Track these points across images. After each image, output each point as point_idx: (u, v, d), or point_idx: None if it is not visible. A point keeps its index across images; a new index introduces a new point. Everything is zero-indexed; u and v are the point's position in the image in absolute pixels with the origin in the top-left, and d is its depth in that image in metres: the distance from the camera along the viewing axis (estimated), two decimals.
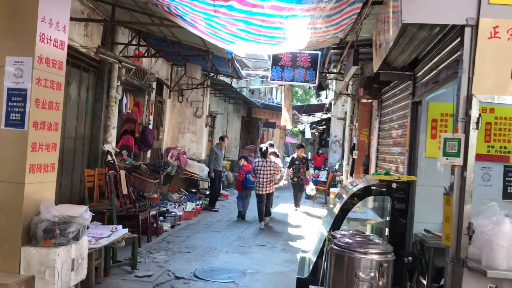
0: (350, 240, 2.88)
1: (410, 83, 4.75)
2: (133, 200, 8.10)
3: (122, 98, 10.60)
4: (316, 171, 17.49)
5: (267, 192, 10.31)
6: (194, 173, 13.48)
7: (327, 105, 19.36)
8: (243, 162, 11.38)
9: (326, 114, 21.22)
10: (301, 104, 21.81)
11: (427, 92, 4.12)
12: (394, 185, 3.60)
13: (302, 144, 14.25)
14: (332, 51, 6.68)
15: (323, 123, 24.59)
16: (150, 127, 12.28)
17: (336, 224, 3.68)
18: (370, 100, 11.64)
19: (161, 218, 8.62)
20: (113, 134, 9.36)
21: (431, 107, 4.49)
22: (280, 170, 11.31)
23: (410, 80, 4.73)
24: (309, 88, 41.10)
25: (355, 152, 12.17)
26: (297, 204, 13.00)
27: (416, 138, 4.56)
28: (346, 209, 3.67)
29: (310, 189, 13.12)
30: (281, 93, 32.62)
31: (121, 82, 9.90)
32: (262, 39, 5.14)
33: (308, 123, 26.93)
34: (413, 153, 4.56)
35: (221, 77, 14.71)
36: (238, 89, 15.88)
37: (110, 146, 8.70)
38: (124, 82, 10.53)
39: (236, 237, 8.40)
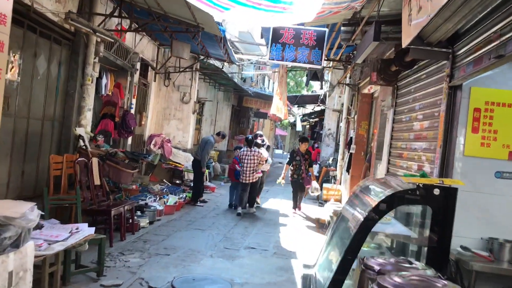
0: (401, 281, 1.95)
1: (447, 64, 3.85)
2: (107, 192, 7.12)
3: (101, 77, 9.59)
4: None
5: (251, 181, 10.46)
6: (179, 163, 12.51)
7: (321, 97, 18.45)
8: (237, 152, 11.32)
9: (320, 106, 20.33)
10: (294, 94, 20.85)
11: (478, 72, 3.22)
12: (436, 191, 2.70)
13: (305, 137, 12.67)
14: (342, 28, 5.75)
15: (315, 115, 23.72)
16: (132, 111, 11.28)
17: (357, 245, 2.77)
18: (371, 91, 10.77)
19: (139, 212, 7.67)
20: (88, 116, 8.34)
21: (473, 94, 3.60)
22: (266, 160, 11.05)
23: (447, 59, 3.84)
24: (301, 78, 40.20)
25: (352, 146, 11.30)
26: (296, 206, 11.07)
27: (452, 132, 3.69)
28: (369, 224, 2.76)
29: (314, 188, 10.88)
30: (273, 82, 31.64)
31: (100, 59, 8.87)
32: (265, 4, 4.16)
33: (300, 115, 26.03)
34: (448, 150, 3.69)
35: (212, 61, 13.70)
36: (229, 75, 14.86)
37: (83, 130, 7.70)
38: (103, 60, 9.50)
39: (223, 237, 7.47)
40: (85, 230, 4.50)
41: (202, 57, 12.79)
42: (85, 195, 6.29)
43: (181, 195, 10.33)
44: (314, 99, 19.06)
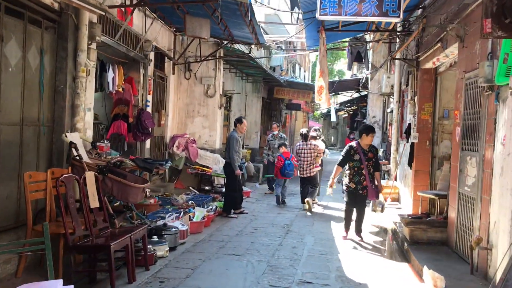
0: None
1: None
2: (110, 216, 5.39)
3: (106, 71, 7.91)
4: None
5: (309, 175, 10.32)
6: (207, 167, 10.74)
7: (362, 81, 16.37)
8: (283, 149, 10.99)
9: (361, 91, 18.23)
10: (330, 80, 18.74)
11: None
12: None
13: (370, 126, 8.58)
14: None
15: (354, 103, 21.59)
16: (149, 109, 9.59)
17: None
18: (436, 64, 8.70)
19: (155, 238, 5.91)
20: (87, 118, 6.65)
21: None
22: (324, 152, 11.04)
23: None
24: (333, 66, 37.95)
25: (414, 135, 9.24)
26: (357, 231, 7.57)
27: None
28: None
29: (378, 203, 8.71)
30: (305, 71, 29.54)
31: (100, 47, 7.20)
32: None
33: (335, 104, 23.92)
34: None
35: (237, 46, 11.88)
36: (258, 61, 12.98)
37: (77, 135, 5.98)
38: (107, 49, 7.83)
39: (266, 267, 5.61)
40: None
41: (225, 42, 10.99)
42: (75, 224, 4.55)
43: (210, 206, 8.54)
44: (354, 84, 16.98)
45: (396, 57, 9.87)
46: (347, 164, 7.58)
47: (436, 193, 8.40)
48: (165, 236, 6.05)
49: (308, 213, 9.65)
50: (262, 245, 6.68)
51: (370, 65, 15.03)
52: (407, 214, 8.31)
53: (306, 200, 9.92)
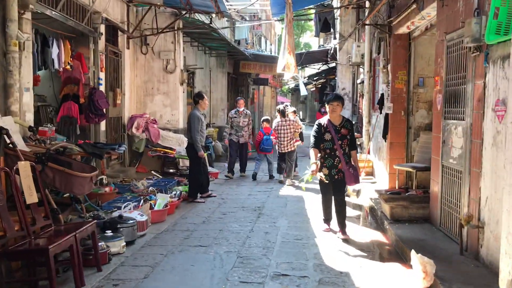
0: None
1: None
2: (53, 211, 4.65)
3: (50, 46, 7.03)
4: None
5: (288, 150, 10.49)
6: (170, 149, 10.00)
7: (331, 51, 15.76)
8: (265, 124, 11.38)
9: (329, 63, 17.66)
10: (298, 52, 18.06)
11: None
12: None
13: (336, 94, 7.49)
14: None
15: (323, 75, 21.05)
16: (102, 88, 8.76)
17: None
18: (411, 28, 8.16)
19: (109, 232, 5.20)
20: (25, 99, 5.82)
21: None
22: (301, 128, 11.28)
23: None
24: (300, 38, 37.27)
25: (388, 105, 8.75)
26: (341, 227, 6.07)
27: None
28: None
29: (354, 188, 8.38)
30: (271, 44, 28.66)
31: (38, 18, 6.31)
32: None
33: (303, 78, 23.30)
34: None
35: (197, 16, 11.04)
36: (221, 32, 12.14)
37: (11, 119, 5.15)
38: (48, 21, 6.93)
39: (236, 258, 4.99)
40: None
41: (184, 13, 10.13)
42: (6, 225, 3.81)
43: (174, 191, 7.86)
44: (322, 55, 16.36)
45: (367, 23, 9.24)
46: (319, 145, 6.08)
47: (414, 166, 7.97)
48: (121, 229, 5.35)
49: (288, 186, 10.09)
50: (231, 233, 6.07)
51: (338, 35, 14.41)
52: (384, 190, 7.85)
53: (287, 181, 10.35)
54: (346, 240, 5.81)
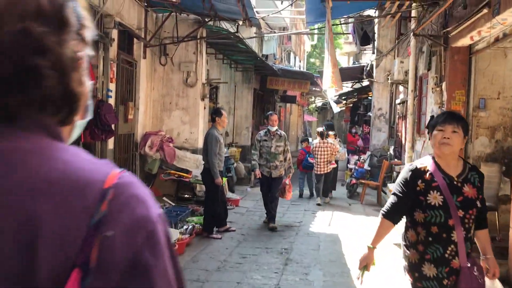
0: None
1: None
2: None
3: None
4: (361, 157, 12.60)
5: (325, 172, 10.67)
6: (185, 172, 8.85)
7: (367, 68, 14.50)
8: (305, 144, 12.27)
9: (361, 80, 16.38)
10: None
11: None
12: None
13: (455, 114, 2.57)
14: None
15: (353, 94, 19.77)
16: (111, 101, 7.71)
17: None
18: (474, 39, 6.87)
19: None
20: None
21: None
22: (338, 151, 11.34)
23: None
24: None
25: None
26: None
27: None
28: None
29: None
30: (300, 61, 27.55)
31: None
32: None
33: (333, 96, 21.99)
34: None
35: (223, 25, 9.99)
36: (247, 43, 11.03)
37: None
38: None
39: None
40: None
41: (208, 20, 9.08)
42: None
43: (187, 224, 6.65)
44: (356, 72, 15.10)
45: (417, 33, 7.98)
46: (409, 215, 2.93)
47: None
48: None
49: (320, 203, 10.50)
50: (256, 280, 4.79)
51: (375, 50, 13.17)
52: None
53: (318, 199, 10.74)
54: None
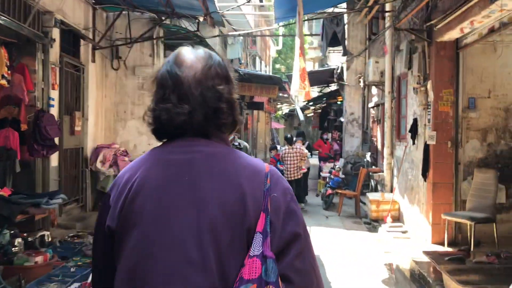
0: None
1: None
2: None
3: None
4: (336, 165, 11.70)
5: (296, 177, 10.68)
6: None
7: (337, 71, 13.80)
8: (274, 152, 12.44)
9: (329, 85, 15.71)
10: (290, 74, 15.97)
11: None
12: None
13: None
14: None
15: (321, 99, 19.13)
16: (53, 111, 6.64)
17: None
18: (464, 32, 6.18)
19: None
20: None
21: None
22: (306, 156, 11.19)
23: None
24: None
25: (430, 134, 6.69)
26: None
27: None
28: None
29: None
30: (266, 66, 26.74)
31: None
32: None
33: (302, 102, 21.29)
34: None
35: (183, 24, 9.05)
36: (208, 42, 10.10)
37: None
38: None
39: None
40: None
41: (164, 18, 8.13)
42: None
43: None
44: (327, 75, 14.39)
45: (400, 27, 7.25)
46: None
47: (471, 216, 5.88)
48: None
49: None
50: None
51: (346, 52, 12.48)
52: (438, 253, 5.69)
53: None
54: None
